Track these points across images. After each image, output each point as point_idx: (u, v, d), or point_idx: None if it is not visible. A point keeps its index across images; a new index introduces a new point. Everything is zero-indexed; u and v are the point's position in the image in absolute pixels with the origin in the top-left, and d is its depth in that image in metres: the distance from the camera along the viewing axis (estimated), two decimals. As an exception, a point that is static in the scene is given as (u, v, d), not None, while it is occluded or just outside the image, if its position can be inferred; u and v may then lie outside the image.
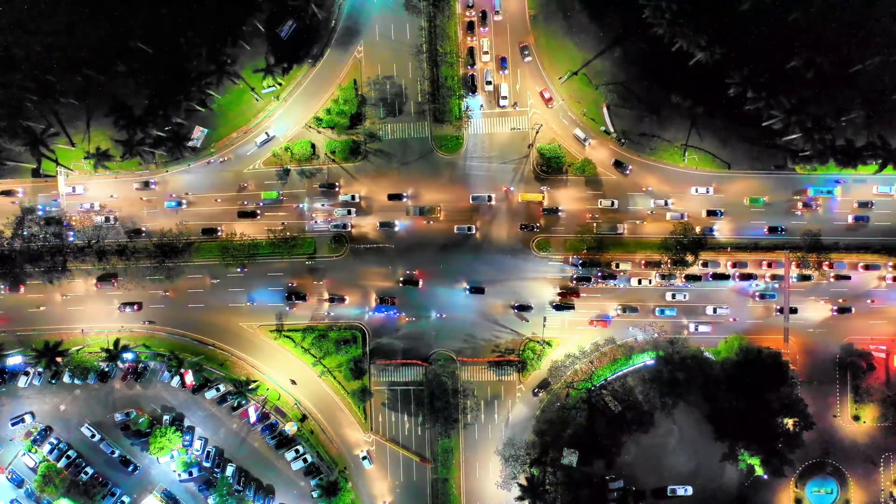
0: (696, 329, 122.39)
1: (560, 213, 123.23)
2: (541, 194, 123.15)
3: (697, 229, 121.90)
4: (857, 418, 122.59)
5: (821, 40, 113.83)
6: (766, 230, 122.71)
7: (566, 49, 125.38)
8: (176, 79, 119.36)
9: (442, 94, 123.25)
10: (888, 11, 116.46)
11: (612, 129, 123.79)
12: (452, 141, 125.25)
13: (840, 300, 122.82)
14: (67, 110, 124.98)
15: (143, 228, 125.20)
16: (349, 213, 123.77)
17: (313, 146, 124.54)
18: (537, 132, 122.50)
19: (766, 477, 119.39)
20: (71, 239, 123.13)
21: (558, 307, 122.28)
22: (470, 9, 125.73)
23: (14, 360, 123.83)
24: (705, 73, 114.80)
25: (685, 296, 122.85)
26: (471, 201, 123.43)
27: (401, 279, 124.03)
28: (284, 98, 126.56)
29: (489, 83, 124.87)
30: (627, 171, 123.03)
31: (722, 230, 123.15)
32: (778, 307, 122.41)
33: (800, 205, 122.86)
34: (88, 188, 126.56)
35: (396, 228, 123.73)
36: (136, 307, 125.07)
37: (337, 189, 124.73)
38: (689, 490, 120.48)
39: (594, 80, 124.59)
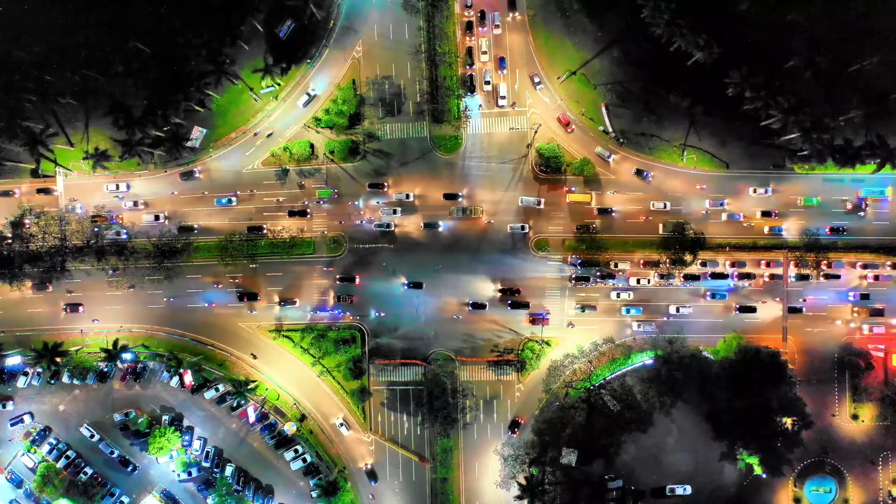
0: (641, 327, 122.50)
1: (613, 214, 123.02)
2: (588, 195, 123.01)
3: (766, 229, 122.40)
4: (855, 417, 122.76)
5: (819, 40, 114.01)
6: (827, 230, 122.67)
7: (565, 49, 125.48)
8: (175, 79, 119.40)
9: (441, 94, 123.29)
10: (887, 11, 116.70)
11: (610, 129, 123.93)
12: (451, 141, 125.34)
13: (802, 300, 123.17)
14: (66, 110, 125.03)
15: (196, 226, 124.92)
16: (395, 212, 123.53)
17: (312, 146, 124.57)
18: (536, 132, 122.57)
19: (764, 476, 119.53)
20: (125, 237, 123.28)
21: (514, 305, 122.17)
22: (468, 9, 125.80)
23: (13, 360, 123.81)
24: (704, 72, 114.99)
25: (630, 294, 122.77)
26: (520, 203, 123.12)
27: (338, 277, 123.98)
28: (283, 98, 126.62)
29: (488, 83, 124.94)
30: (649, 179, 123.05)
31: (790, 230, 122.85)
32: (737, 306, 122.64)
33: (849, 205, 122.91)
34: (133, 185, 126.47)
35: (440, 229, 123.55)
36: (80, 308, 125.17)
37: (385, 188, 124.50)
38: (688, 489, 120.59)
39: (593, 79, 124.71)
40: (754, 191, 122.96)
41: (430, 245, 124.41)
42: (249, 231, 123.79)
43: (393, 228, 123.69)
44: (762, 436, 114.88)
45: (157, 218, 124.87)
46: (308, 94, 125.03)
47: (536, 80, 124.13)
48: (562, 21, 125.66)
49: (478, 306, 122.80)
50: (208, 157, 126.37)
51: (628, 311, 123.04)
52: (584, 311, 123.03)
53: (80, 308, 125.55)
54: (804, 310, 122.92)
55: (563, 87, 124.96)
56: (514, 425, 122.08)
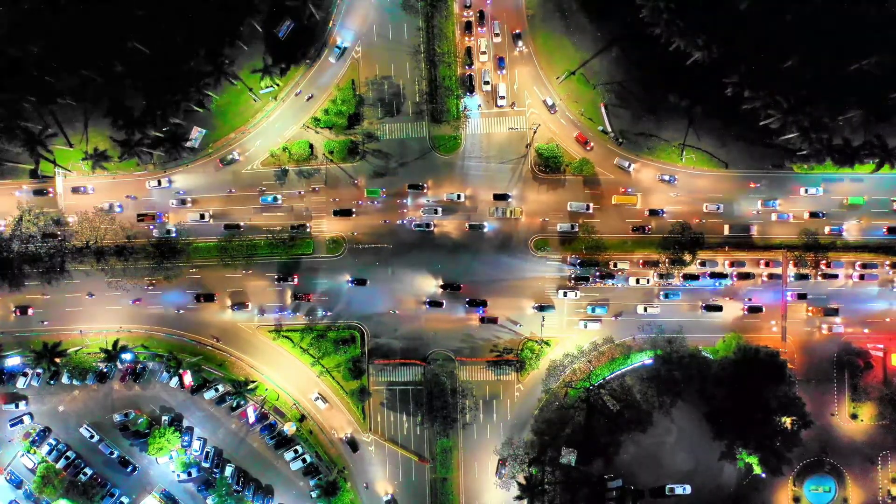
0: (586, 326, 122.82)
1: (663, 215, 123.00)
2: (634, 196, 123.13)
3: (827, 229, 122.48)
4: (854, 417, 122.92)
5: (818, 40, 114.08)
6: (885, 231, 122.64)
7: (564, 49, 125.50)
8: (174, 79, 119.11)
9: (440, 95, 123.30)
10: (886, 11, 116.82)
11: (609, 129, 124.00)
12: (450, 141, 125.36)
13: (748, 299, 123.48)
14: (65, 111, 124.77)
15: (242, 224, 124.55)
16: (436, 212, 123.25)
17: (311, 146, 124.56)
18: (535, 132, 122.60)
19: (764, 475, 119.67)
20: (174, 234, 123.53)
21: (471, 302, 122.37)
22: (467, 9, 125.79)
23: (13, 360, 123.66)
24: (703, 72, 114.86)
25: (577, 294, 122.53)
26: (569, 208, 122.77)
27: (276, 277, 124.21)
28: (283, 98, 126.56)
29: (487, 83, 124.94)
30: (674, 182, 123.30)
31: (850, 231, 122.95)
32: (703, 305, 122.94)
33: (895, 205, 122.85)
34: (175, 180, 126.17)
35: (486, 230, 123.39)
36: (30, 310, 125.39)
37: (425, 189, 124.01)
38: (688, 489, 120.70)
39: (592, 79, 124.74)
40: (806, 191, 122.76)
41: (430, 245, 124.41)
42: (293, 229, 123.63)
43: (433, 228, 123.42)
44: (761, 435, 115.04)
45: (202, 217, 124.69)
46: (338, 47, 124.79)
47: (550, 102, 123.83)
48: (561, 21, 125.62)
49: (434, 304, 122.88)
50: (244, 137, 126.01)
51: (593, 310, 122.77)
52: (543, 311, 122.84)
53: (30, 310, 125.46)
54: (763, 309, 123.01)
55: (562, 87, 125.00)
56: (501, 471, 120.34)
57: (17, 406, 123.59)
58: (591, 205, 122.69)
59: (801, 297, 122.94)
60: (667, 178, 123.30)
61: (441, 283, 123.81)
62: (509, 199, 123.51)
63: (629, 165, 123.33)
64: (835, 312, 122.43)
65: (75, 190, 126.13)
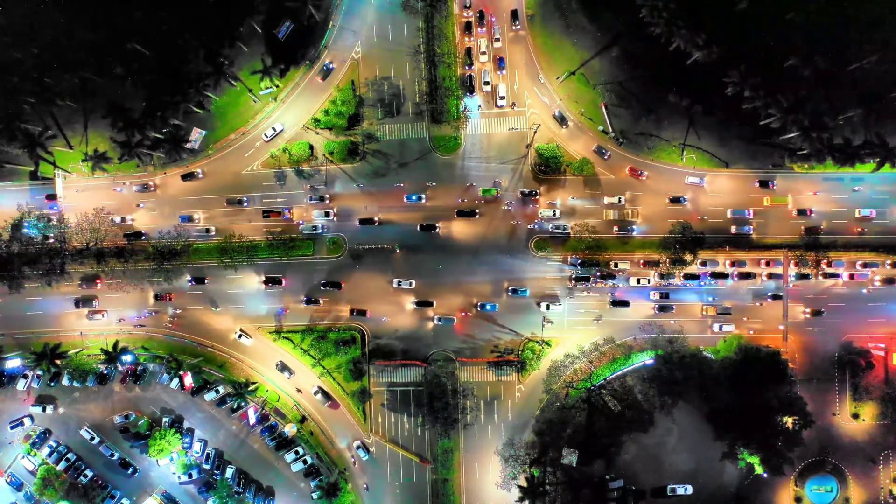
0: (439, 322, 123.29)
1: (812, 216, 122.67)
2: (786, 197, 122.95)
3: None
4: (856, 416, 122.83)
5: (818, 39, 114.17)
6: None
7: (564, 49, 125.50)
8: (173, 81, 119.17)
9: (440, 95, 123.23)
10: (885, 10, 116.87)
11: (610, 129, 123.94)
12: (451, 141, 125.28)
13: (657, 295, 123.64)
14: (65, 112, 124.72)
15: (376, 219, 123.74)
16: (553, 214, 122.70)
17: (311, 147, 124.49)
18: (535, 132, 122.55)
19: (765, 475, 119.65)
20: (320, 232, 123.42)
21: (324, 284, 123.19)
22: (467, 9, 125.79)
23: (13, 362, 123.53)
24: (703, 72, 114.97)
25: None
26: (728, 215, 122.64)
27: (78, 282, 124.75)
28: (282, 99, 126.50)
29: (487, 83, 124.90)
30: (773, 186, 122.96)
31: None
32: (612, 300, 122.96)
33: None
34: (284, 123, 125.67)
35: (634, 232, 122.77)
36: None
37: (537, 195, 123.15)
38: (689, 489, 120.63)
39: (592, 79, 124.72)
40: None
41: (430, 246, 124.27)
42: (421, 229, 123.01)
43: (568, 231, 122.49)
44: (763, 435, 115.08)
45: (326, 214, 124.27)
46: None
47: (603, 151, 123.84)
48: (561, 21, 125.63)
49: (311, 302, 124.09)
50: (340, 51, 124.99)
51: (484, 308, 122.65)
52: (420, 306, 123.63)
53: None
54: (674, 308, 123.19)
55: (562, 87, 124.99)
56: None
57: (43, 410, 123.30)
58: (752, 210, 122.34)
59: (664, 296, 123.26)
60: (769, 182, 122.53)
61: (264, 278, 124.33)
62: (685, 202, 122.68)
63: (701, 181, 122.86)
64: (728, 312, 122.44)
65: (186, 176, 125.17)
